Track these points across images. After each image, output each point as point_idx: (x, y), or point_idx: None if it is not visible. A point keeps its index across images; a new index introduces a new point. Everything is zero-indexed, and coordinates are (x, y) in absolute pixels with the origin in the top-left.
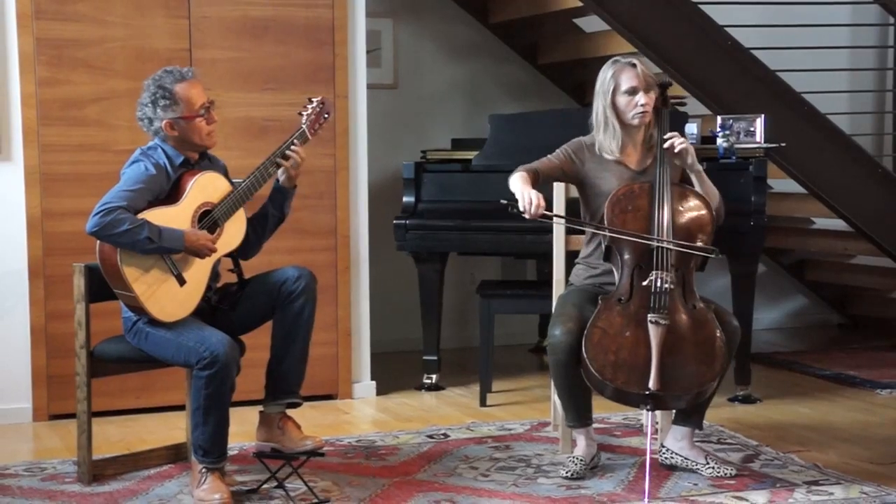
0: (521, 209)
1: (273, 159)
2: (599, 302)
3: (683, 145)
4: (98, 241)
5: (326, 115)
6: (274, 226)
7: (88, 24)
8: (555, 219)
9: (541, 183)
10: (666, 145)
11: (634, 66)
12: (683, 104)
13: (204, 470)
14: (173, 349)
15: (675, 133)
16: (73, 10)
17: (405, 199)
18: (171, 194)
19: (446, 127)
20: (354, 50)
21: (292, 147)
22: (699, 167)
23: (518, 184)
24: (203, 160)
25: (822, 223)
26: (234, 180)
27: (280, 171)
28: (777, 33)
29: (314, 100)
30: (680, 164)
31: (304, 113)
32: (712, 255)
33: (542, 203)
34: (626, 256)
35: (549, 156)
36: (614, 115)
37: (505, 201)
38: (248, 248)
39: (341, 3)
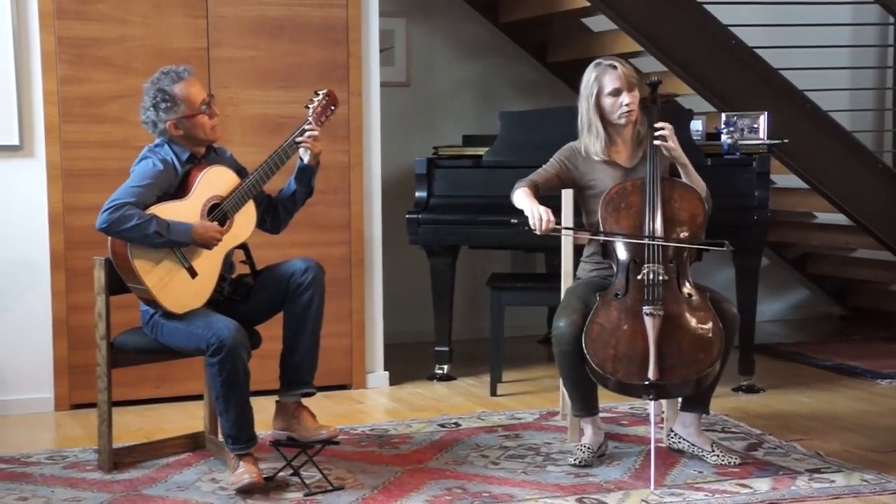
0: (532, 226)
1: (280, 154)
2: (597, 298)
3: (669, 142)
4: (109, 237)
5: (333, 108)
6: (303, 202)
7: (109, 24)
8: (563, 231)
9: (542, 194)
10: (658, 133)
11: (616, 67)
12: (673, 101)
13: (237, 457)
14: (185, 338)
15: (665, 123)
16: (94, 10)
17: (417, 194)
18: (179, 189)
19: (458, 124)
20: (368, 49)
21: (306, 127)
22: (685, 160)
23: (525, 200)
24: (209, 153)
25: (823, 218)
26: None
27: (303, 152)
28: (780, 32)
29: (320, 93)
30: (667, 154)
31: (311, 106)
32: (709, 249)
33: (552, 218)
34: (620, 253)
35: (544, 166)
36: (598, 116)
37: (515, 220)
38: (278, 223)
39: (355, 2)
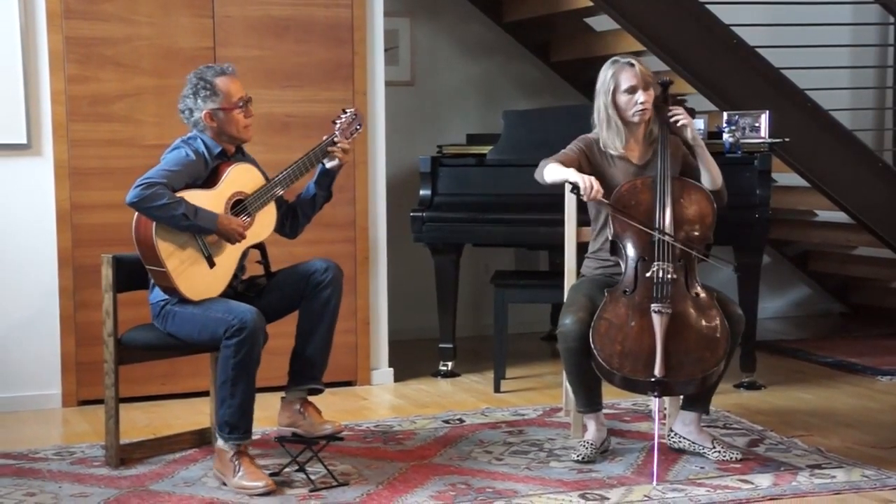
0: (583, 192)
1: (305, 162)
2: (605, 294)
3: (685, 120)
4: (135, 216)
5: (358, 127)
6: (321, 206)
7: (116, 24)
8: (608, 206)
9: None
10: (675, 117)
11: (633, 65)
12: (684, 101)
13: (234, 456)
14: (201, 324)
15: (680, 108)
16: (102, 10)
17: (422, 192)
18: (207, 181)
19: (461, 122)
20: (373, 48)
21: (335, 140)
22: (701, 142)
23: (568, 170)
24: (237, 154)
25: (824, 216)
26: (272, 177)
27: (329, 158)
28: (781, 32)
29: (348, 110)
30: (681, 137)
31: (338, 122)
32: (707, 260)
33: (601, 189)
34: (630, 250)
35: (564, 150)
36: (616, 112)
37: (570, 184)
38: (296, 228)
39: (360, 2)
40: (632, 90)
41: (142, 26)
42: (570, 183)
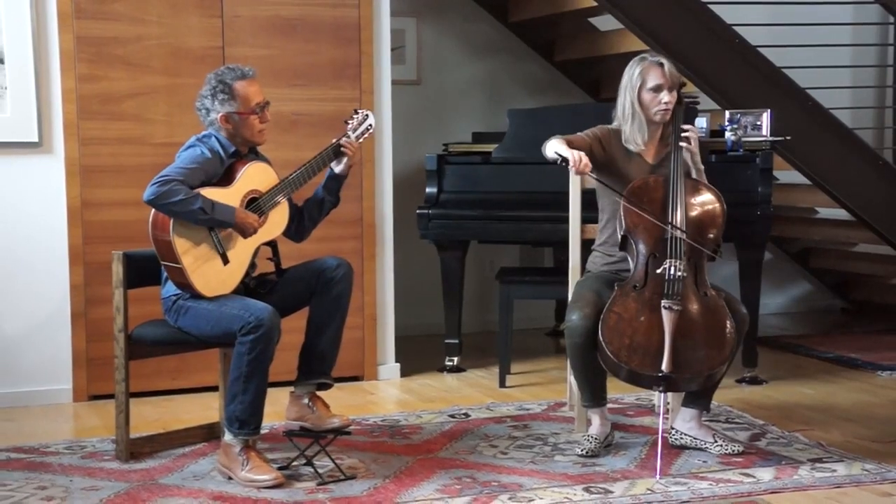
0: (571, 165)
1: (318, 161)
2: (615, 288)
3: (692, 145)
4: (152, 213)
5: (370, 127)
6: (328, 211)
7: (126, 23)
8: (595, 180)
9: None
10: (685, 135)
11: (662, 65)
12: (697, 102)
13: (242, 451)
14: (215, 320)
15: (692, 127)
16: (112, 10)
17: (428, 189)
18: (222, 179)
19: (467, 121)
20: (379, 47)
21: (344, 140)
22: (701, 166)
23: (562, 146)
24: (251, 154)
25: (825, 213)
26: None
27: (335, 162)
28: (782, 31)
29: (360, 111)
30: (687, 157)
31: (350, 122)
32: (717, 256)
33: (589, 163)
34: (641, 246)
35: (579, 133)
36: (640, 108)
37: (557, 156)
38: (302, 231)
39: (367, 2)
40: (657, 89)
41: (151, 26)
42: (560, 156)
